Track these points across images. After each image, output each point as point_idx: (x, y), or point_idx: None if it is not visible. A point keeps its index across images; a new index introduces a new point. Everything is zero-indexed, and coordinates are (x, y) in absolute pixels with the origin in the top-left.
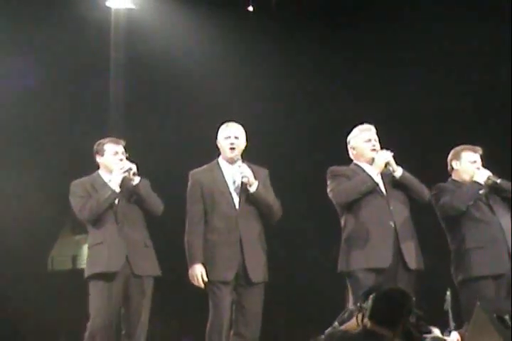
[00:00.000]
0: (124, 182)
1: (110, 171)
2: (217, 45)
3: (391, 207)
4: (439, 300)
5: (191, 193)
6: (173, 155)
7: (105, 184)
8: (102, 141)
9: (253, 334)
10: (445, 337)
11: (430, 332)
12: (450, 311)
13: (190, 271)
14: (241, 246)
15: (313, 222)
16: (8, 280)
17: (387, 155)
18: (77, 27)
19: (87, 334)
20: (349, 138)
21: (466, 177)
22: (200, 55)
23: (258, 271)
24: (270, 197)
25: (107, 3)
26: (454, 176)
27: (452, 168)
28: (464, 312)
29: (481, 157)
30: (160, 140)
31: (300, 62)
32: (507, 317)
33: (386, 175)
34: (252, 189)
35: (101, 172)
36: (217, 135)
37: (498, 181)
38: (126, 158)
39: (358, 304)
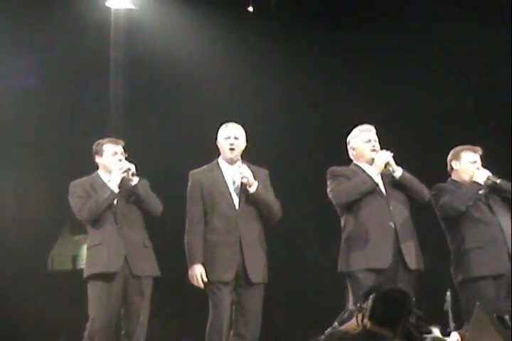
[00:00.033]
0: (123, 183)
1: (109, 171)
2: (217, 45)
3: (391, 208)
4: (439, 301)
5: (191, 193)
6: (173, 155)
7: (104, 184)
8: (100, 141)
9: (253, 335)
10: (445, 338)
11: (430, 332)
12: (450, 311)
13: (189, 272)
14: (241, 246)
15: (313, 222)
16: (8, 280)
17: (387, 156)
18: (77, 27)
19: (86, 334)
20: (349, 138)
21: (466, 178)
22: (200, 55)
23: (258, 271)
24: (270, 198)
25: (107, 4)
26: (453, 176)
27: (452, 168)
28: (464, 313)
29: (481, 157)
30: (160, 140)
31: (300, 62)
32: (507, 317)
33: (386, 175)
34: (252, 189)
35: (100, 172)
36: (217, 135)
37: (498, 181)
38: (126, 159)
39: (358, 304)
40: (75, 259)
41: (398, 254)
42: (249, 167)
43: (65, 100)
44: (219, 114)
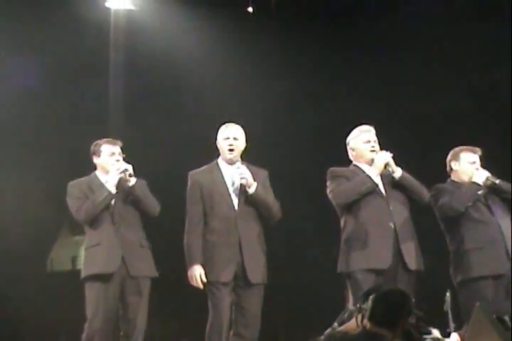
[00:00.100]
0: (121, 183)
1: (107, 172)
2: (217, 45)
3: (391, 208)
4: (439, 301)
5: (190, 194)
6: (172, 155)
7: (102, 185)
8: (98, 141)
9: (252, 335)
10: (445, 339)
11: (430, 333)
12: (450, 312)
13: (189, 272)
14: (240, 247)
15: (313, 222)
16: (8, 280)
17: (387, 156)
18: (76, 27)
19: (84, 335)
20: (348, 139)
21: (465, 178)
22: (200, 55)
23: (257, 272)
24: (269, 199)
25: (107, 4)
26: (453, 177)
27: (451, 169)
28: (463, 313)
29: (480, 158)
30: (160, 140)
31: (300, 62)
32: (506, 317)
33: (386, 175)
34: (251, 190)
35: (98, 173)
36: (216, 136)
37: (497, 182)
38: (123, 159)
39: (358, 305)
40: (74, 260)
41: (398, 255)
42: (248, 168)
43: (65, 100)
44: (219, 114)
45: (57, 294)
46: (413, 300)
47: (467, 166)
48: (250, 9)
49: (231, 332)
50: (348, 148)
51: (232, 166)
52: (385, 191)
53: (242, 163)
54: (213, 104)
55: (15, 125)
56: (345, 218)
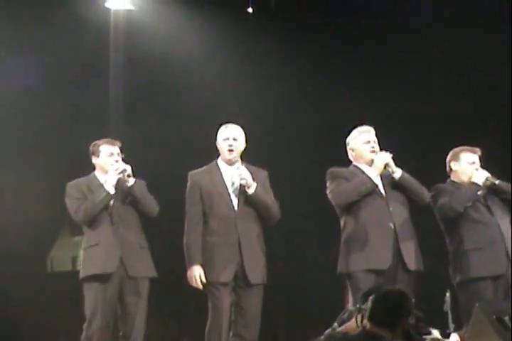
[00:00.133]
0: (119, 184)
1: (106, 172)
2: (216, 45)
3: (390, 208)
4: (439, 302)
5: (190, 194)
6: (172, 155)
7: (101, 185)
8: (97, 142)
9: (252, 336)
10: (445, 339)
11: (430, 333)
12: (449, 312)
13: (188, 273)
14: (239, 247)
15: (313, 223)
16: (8, 280)
17: (387, 157)
18: (76, 28)
19: (83, 335)
20: (348, 139)
21: (465, 179)
22: (199, 55)
23: (257, 272)
24: (269, 199)
25: (107, 5)
26: (452, 177)
27: (451, 169)
28: (463, 314)
29: (480, 158)
30: (159, 140)
31: (300, 62)
32: (506, 318)
33: (385, 176)
34: (251, 191)
35: (97, 173)
36: (216, 136)
37: (497, 182)
38: (122, 159)
39: (358, 305)
40: (74, 260)
41: (398, 255)
42: (248, 168)
43: (65, 100)
44: (219, 114)
45: (57, 294)
46: (413, 300)
47: (467, 166)
48: (250, 10)
49: (231, 333)
50: (347, 148)
51: (232, 167)
52: (385, 191)
53: (242, 164)
54: (213, 104)
55: (15, 125)
56: (345, 218)
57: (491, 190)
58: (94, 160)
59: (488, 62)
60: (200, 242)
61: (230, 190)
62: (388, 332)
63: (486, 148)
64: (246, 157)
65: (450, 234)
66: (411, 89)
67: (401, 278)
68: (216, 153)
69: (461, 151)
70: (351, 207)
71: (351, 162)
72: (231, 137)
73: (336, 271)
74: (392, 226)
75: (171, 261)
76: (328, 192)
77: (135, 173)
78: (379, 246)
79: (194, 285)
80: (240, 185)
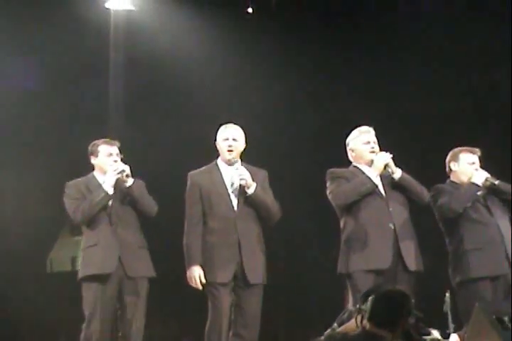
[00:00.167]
0: (118, 184)
1: (104, 172)
2: (216, 45)
3: (390, 209)
4: (439, 302)
5: (190, 194)
6: (172, 155)
7: (99, 185)
8: (96, 142)
9: (252, 335)
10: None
11: (429, 333)
12: (449, 313)
13: (188, 273)
14: (239, 247)
15: (313, 223)
16: (8, 280)
17: (386, 157)
18: (76, 28)
19: (82, 336)
20: (348, 140)
21: (464, 179)
22: (199, 55)
23: (256, 272)
24: (268, 199)
25: (107, 5)
26: (452, 177)
27: (450, 170)
28: (462, 314)
29: (480, 158)
30: (159, 140)
31: (300, 62)
32: (506, 318)
33: (385, 176)
34: (250, 191)
35: (96, 173)
36: (216, 136)
37: (496, 182)
38: (121, 159)
39: (357, 305)
40: (74, 260)
41: (398, 255)
42: (247, 168)
43: (65, 100)
44: (219, 114)
45: (57, 294)
46: (413, 300)
47: (466, 167)
48: (250, 10)
49: (230, 333)
50: (347, 149)
51: (232, 167)
52: (385, 192)
53: (242, 164)
54: (213, 104)
55: (15, 125)
56: (344, 219)
57: (490, 190)
58: (93, 160)
59: (488, 62)
60: (199, 242)
61: (230, 190)
62: (388, 333)
63: (485, 148)
64: (246, 157)
65: (450, 234)
66: (411, 89)
67: (401, 279)
68: (216, 154)
69: (461, 152)
70: (351, 208)
71: (351, 162)
72: (231, 137)
73: (335, 271)
74: (392, 227)
75: (171, 261)
76: (328, 192)
77: (135, 173)
78: (379, 247)
79: (193, 285)
80: (240, 185)
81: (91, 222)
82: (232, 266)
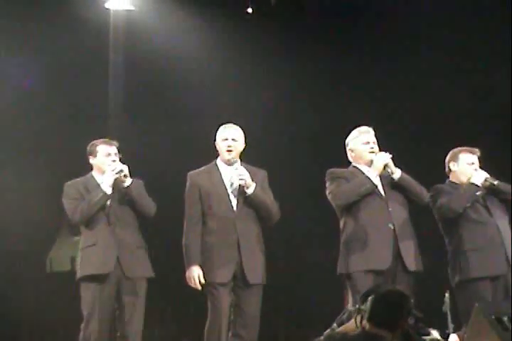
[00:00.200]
0: (116, 184)
1: (103, 172)
2: (216, 45)
3: (390, 209)
4: (438, 302)
5: (189, 195)
6: (172, 155)
7: (98, 185)
8: (94, 142)
9: (251, 336)
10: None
11: (429, 334)
12: (449, 313)
13: (187, 273)
14: (238, 248)
15: (313, 223)
16: (8, 280)
17: (386, 157)
18: (76, 28)
19: (80, 335)
20: (348, 140)
21: (464, 179)
22: (199, 55)
23: (256, 272)
24: (268, 199)
25: (106, 5)
26: (451, 178)
27: (450, 170)
28: (462, 314)
29: (479, 158)
30: (159, 140)
31: (300, 62)
32: (505, 318)
33: (385, 177)
34: (250, 191)
35: (94, 173)
36: (215, 136)
37: (496, 183)
38: (120, 159)
39: (357, 306)
40: (73, 260)
41: (397, 256)
42: (247, 168)
43: (65, 100)
44: (219, 114)
45: (57, 294)
46: (412, 301)
47: (466, 167)
48: (250, 10)
49: (230, 333)
50: (347, 149)
51: (231, 167)
52: (385, 192)
53: (241, 164)
54: (213, 104)
55: (15, 125)
56: (344, 219)
57: (489, 190)
58: (92, 160)
59: (488, 62)
60: (199, 242)
61: (229, 191)
62: (388, 333)
63: (485, 148)
64: (246, 157)
65: (449, 234)
66: (411, 89)
67: (400, 279)
68: (215, 154)
69: (460, 152)
70: (351, 208)
71: (351, 162)
72: (230, 137)
73: (335, 271)
74: (392, 227)
75: (170, 261)
76: (327, 192)
77: (135, 173)
78: (379, 247)
79: (192, 285)
80: (239, 185)
81: (89, 222)
82: (231, 266)
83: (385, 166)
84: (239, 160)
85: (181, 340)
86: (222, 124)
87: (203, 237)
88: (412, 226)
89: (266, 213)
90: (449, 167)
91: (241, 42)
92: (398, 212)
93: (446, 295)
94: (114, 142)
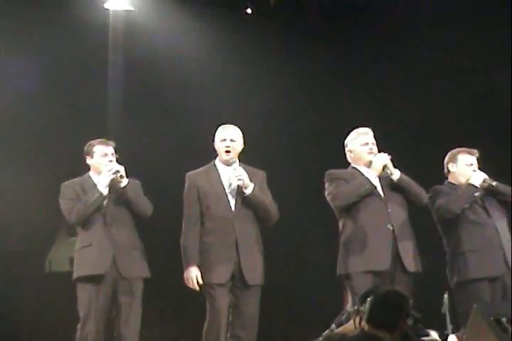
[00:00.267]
0: (113, 184)
1: (100, 173)
2: (216, 46)
3: (389, 210)
4: (437, 303)
5: (188, 195)
6: (171, 156)
7: (94, 186)
8: (91, 142)
9: (250, 336)
10: None
11: (428, 334)
12: (448, 314)
13: (185, 274)
14: (237, 248)
15: (313, 223)
16: (8, 280)
17: (385, 158)
18: (75, 28)
19: (77, 335)
20: (346, 141)
21: (463, 180)
22: (199, 55)
23: (254, 273)
24: (266, 200)
25: (106, 5)
26: (450, 179)
27: (448, 171)
28: (460, 315)
29: (478, 159)
30: (159, 140)
31: (300, 62)
32: (504, 319)
33: (384, 177)
34: (248, 191)
35: (91, 173)
36: (214, 137)
37: (494, 184)
38: (117, 160)
39: (356, 306)
40: (72, 260)
41: (396, 256)
42: (245, 169)
43: (64, 100)
44: (219, 114)
45: (57, 294)
46: (411, 301)
47: (464, 168)
48: (249, 11)
49: (228, 334)
50: (346, 150)
51: (230, 167)
52: (384, 193)
53: (240, 164)
54: (213, 104)
55: (15, 125)
56: (343, 220)
57: (488, 191)
58: (89, 160)
59: (488, 62)
60: (197, 243)
61: (228, 191)
62: (387, 334)
63: (485, 148)
64: (246, 157)
65: (447, 235)
66: (410, 90)
67: (399, 280)
68: (214, 154)
69: (459, 153)
70: (350, 209)
71: (350, 163)
72: (228, 138)
73: (334, 272)
74: (391, 228)
75: (170, 262)
76: (326, 193)
77: (134, 173)
78: (378, 248)
79: (190, 286)
80: (238, 185)
81: (85, 223)
82: (229, 267)
83: (384, 167)
84: (237, 161)
85: (181, 340)
86: (221, 125)
87: (202, 238)
88: (411, 227)
89: (264, 213)
90: (447, 168)
91: (241, 43)
92: (397, 213)
93: (445, 296)
94: (111, 142)
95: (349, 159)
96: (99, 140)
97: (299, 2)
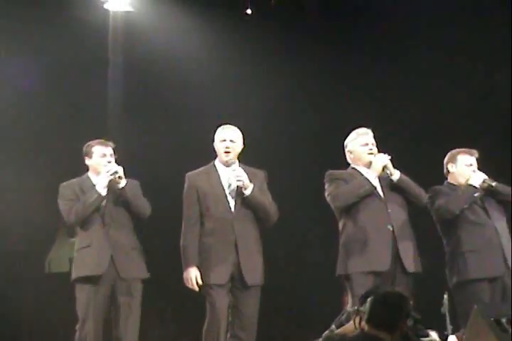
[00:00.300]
0: (111, 185)
1: (98, 173)
2: (215, 46)
3: (389, 210)
4: (437, 304)
5: (187, 196)
6: (171, 156)
7: (93, 187)
8: (90, 142)
9: (250, 337)
10: None
11: (427, 335)
12: (447, 314)
13: (184, 274)
14: (236, 249)
15: (312, 224)
16: (8, 280)
17: (385, 159)
18: (75, 29)
19: (76, 336)
20: (346, 142)
21: (462, 180)
22: (199, 56)
23: (254, 273)
24: (266, 200)
25: (105, 6)
26: (449, 179)
27: (448, 171)
28: (460, 315)
29: (477, 160)
30: (158, 141)
31: (300, 62)
32: (504, 320)
33: (384, 178)
34: (247, 192)
35: (90, 174)
36: (213, 137)
37: (494, 184)
38: (116, 160)
39: (356, 307)
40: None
41: (396, 257)
42: (245, 169)
43: (65, 100)
44: (219, 114)
45: (56, 294)
46: (411, 302)
47: (464, 168)
48: (249, 11)
49: (228, 334)
50: (345, 150)
51: (229, 168)
52: (383, 193)
53: (239, 165)
54: (213, 104)
55: (15, 125)
56: (343, 221)
57: (487, 192)
58: (87, 161)
59: (488, 62)
60: (196, 243)
61: (227, 192)
62: (387, 334)
63: (484, 149)
64: (245, 157)
65: (447, 235)
66: (410, 90)
67: (399, 280)
68: (214, 154)
69: (459, 153)
70: (350, 209)
71: (349, 164)
72: (228, 139)
73: (334, 272)
74: (391, 228)
75: (170, 262)
76: (326, 194)
77: (134, 173)
78: (378, 248)
79: (190, 287)
80: (237, 186)
81: (84, 223)
82: (229, 267)
83: (384, 168)
84: (237, 161)
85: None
86: (220, 125)
87: (201, 238)
88: (411, 227)
89: (264, 214)
90: (447, 168)
91: (241, 43)
92: (397, 214)
93: (445, 296)
94: (110, 143)
95: (349, 159)
96: (97, 140)
97: (299, 2)
